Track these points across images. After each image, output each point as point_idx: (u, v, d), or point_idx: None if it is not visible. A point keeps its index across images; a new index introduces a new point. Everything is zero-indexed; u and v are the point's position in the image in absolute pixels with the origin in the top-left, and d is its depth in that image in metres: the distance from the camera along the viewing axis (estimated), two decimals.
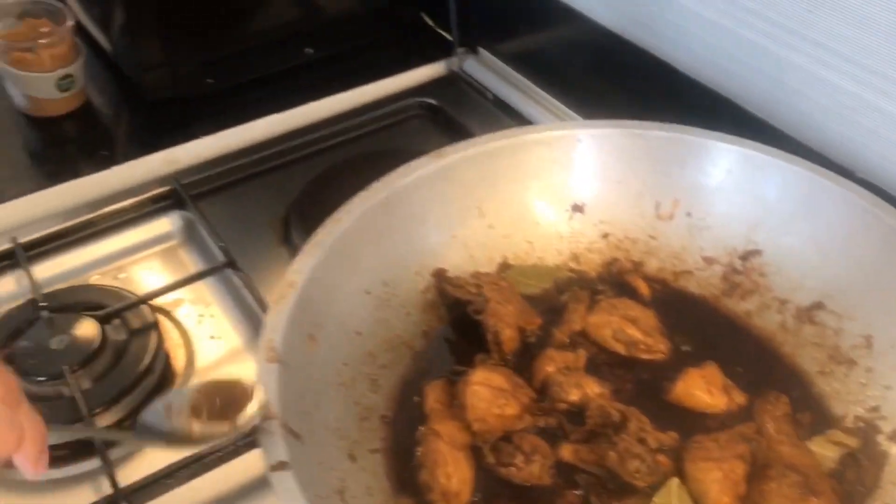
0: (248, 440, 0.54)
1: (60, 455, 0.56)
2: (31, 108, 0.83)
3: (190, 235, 0.73)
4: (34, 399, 0.57)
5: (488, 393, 0.49)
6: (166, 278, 0.69)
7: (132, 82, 0.85)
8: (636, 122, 0.57)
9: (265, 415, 0.41)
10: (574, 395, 0.49)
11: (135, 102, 0.85)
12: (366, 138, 0.82)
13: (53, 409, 0.57)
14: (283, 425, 0.40)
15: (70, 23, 0.81)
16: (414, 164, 0.55)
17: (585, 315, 0.54)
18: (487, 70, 0.88)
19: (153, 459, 0.55)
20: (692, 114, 0.61)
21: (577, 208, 0.58)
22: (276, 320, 0.45)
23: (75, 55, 0.82)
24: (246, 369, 0.62)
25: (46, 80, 0.81)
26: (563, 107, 0.81)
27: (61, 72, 0.81)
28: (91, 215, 0.73)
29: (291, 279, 0.47)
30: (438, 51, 0.91)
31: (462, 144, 0.57)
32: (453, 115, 0.84)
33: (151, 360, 0.60)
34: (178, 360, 0.63)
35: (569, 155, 0.57)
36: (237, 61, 0.86)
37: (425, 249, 0.55)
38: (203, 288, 0.68)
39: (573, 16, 0.78)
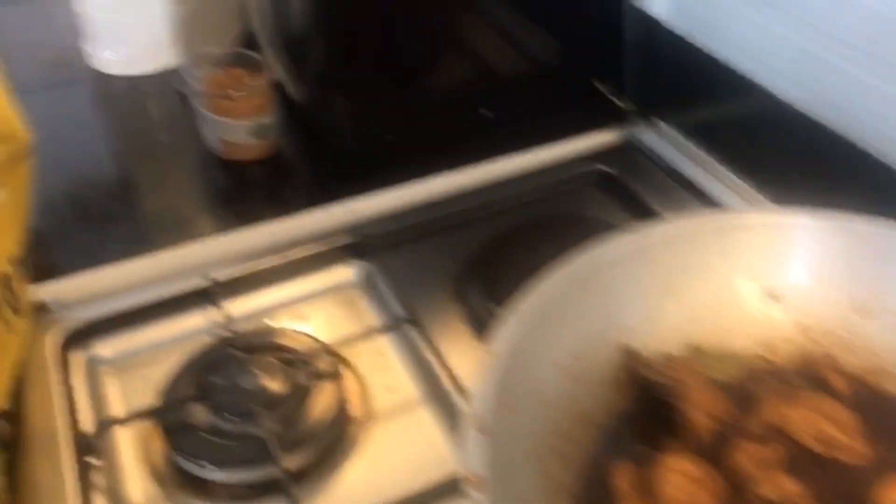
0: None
1: (246, 493, 0.59)
2: (224, 152, 0.89)
3: (368, 285, 0.76)
4: (224, 436, 0.60)
5: (682, 481, 0.48)
6: (345, 326, 0.72)
7: (318, 134, 0.89)
8: (846, 215, 0.56)
9: (472, 484, 0.42)
10: (770, 492, 0.48)
11: (320, 153, 0.89)
12: (540, 202, 0.83)
13: (243, 447, 0.59)
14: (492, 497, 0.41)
15: (267, 75, 0.86)
16: (609, 240, 0.55)
17: (780, 408, 0.52)
18: (663, 140, 0.88)
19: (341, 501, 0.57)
20: (886, 203, 0.59)
21: (776, 297, 0.57)
22: (482, 390, 0.46)
23: (269, 105, 0.87)
24: (423, 421, 0.64)
25: (241, 127, 0.86)
26: (745, 186, 0.79)
27: (255, 120, 0.86)
28: (275, 258, 0.77)
29: (496, 349, 0.48)
30: (612, 117, 0.91)
31: (661, 224, 0.57)
32: (628, 184, 0.84)
33: (332, 406, 0.63)
34: (357, 409, 0.65)
35: (772, 243, 0.56)
36: (417, 118, 0.89)
37: (616, 327, 0.55)
38: (380, 338, 0.70)
39: (757, 91, 0.77)
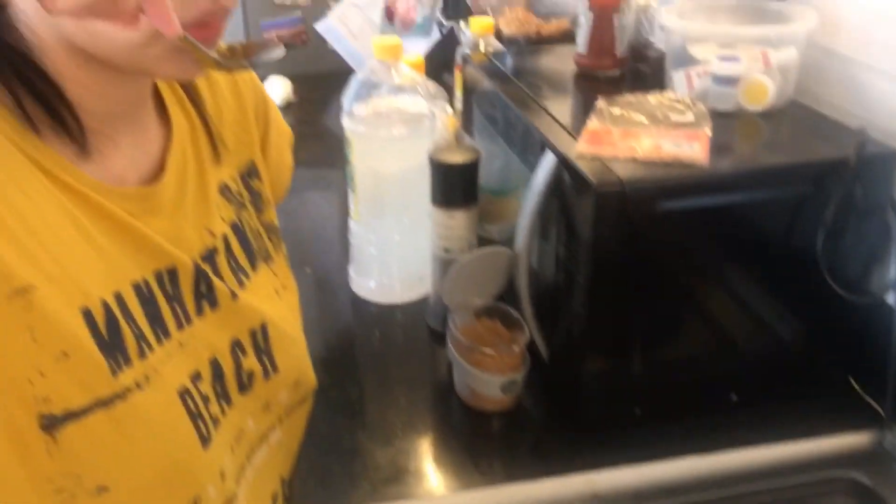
0: None
1: None
2: (470, 399, 0.92)
3: None
4: None
5: None
6: None
7: (563, 397, 0.91)
8: None
9: None
10: None
11: (562, 416, 0.91)
12: None
13: None
14: None
15: (523, 334, 0.90)
16: None
17: None
18: None
19: None
20: None
21: None
22: None
23: (521, 364, 0.91)
24: None
25: (492, 380, 0.90)
26: None
27: (506, 376, 0.89)
28: None
29: None
30: (868, 421, 0.88)
31: None
32: (883, 498, 0.79)
33: None
34: None
35: None
36: (665, 396, 0.89)
37: None
38: None
39: None
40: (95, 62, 0.53)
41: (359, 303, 1.15)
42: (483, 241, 1.06)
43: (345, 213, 1.17)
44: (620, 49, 1.07)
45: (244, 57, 0.57)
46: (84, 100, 0.55)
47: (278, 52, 0.60)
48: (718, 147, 0.84)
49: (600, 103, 0.93)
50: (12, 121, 0.52)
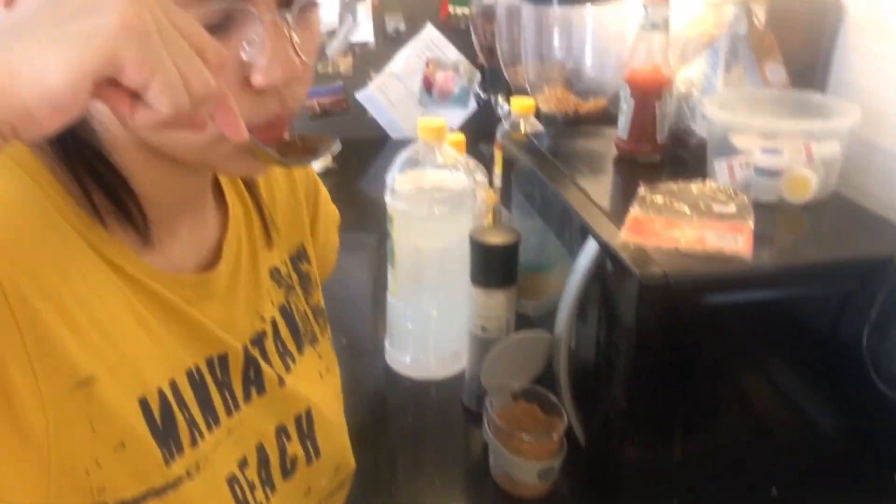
0: None
1: None
2: (505, 483, 0.92)
3: None
4: None
5: None
6: None
7: (600, 485, 0.90)
8: None
9: None
10: None
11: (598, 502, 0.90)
12: None
13: None
14: None
15: (562, 422, 0.90)
16: None
17: None
18: None
19: None
20: None
21: None
22: None
23: (559, 451, 0.90)
24: None
25: (529, 466, 0.89)
26: None
27: (545, 463, 0.89)
28: None
29: None
30: None
31: None
32: None
33: None
34: None
35: None
36: (704, 487, 0.88)
37: None
38: None
39: None
40: (162, 157, 0.55)
41: (393, 376, 1.15)
42: (518, 317, 1.06)
43: (379, 279, 1.18)
44: (661, 135, 1.09)
45: (303, 152, 0.59)
46: (150, 192, 0.57)
47: (335, 147, 0.61)
48: (761, 240, 0.84)
49: (642, 191, 0.94)
50: (79, 211, 0.54)
